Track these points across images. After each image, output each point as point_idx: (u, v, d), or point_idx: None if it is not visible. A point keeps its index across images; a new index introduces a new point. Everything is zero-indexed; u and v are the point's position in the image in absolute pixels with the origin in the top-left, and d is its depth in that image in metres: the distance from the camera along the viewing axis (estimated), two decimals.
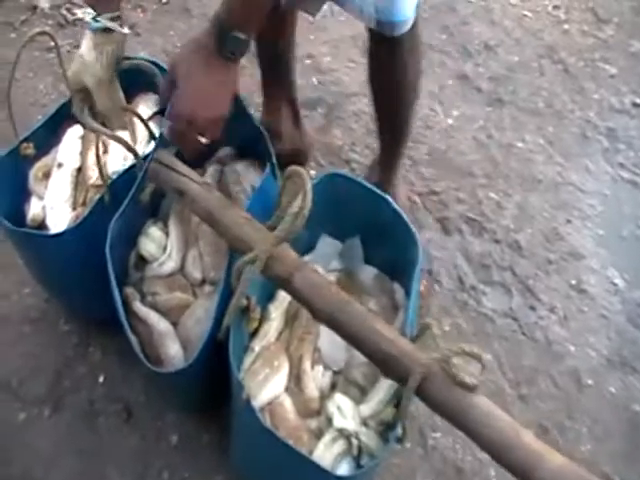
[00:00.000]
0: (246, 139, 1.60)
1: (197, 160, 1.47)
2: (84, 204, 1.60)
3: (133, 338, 1.38)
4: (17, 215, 1.62)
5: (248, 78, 2.24)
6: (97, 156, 1.40)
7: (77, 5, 2.54)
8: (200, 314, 1.46)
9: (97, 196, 1.49)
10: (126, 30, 1.36)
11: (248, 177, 1.62)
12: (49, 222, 1.60)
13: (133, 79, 1.55)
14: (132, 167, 1.48)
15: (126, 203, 1.41)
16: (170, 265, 1.53)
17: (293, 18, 1.88)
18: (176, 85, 1.21)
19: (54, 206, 1.60)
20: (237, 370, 1.27)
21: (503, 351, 1.81)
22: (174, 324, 1.48)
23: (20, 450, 1.73)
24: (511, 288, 1.90)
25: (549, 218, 2.01)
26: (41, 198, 1.63)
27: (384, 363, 1.13)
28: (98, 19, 1.30)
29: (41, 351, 1.87)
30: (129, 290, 1.49)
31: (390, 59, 1.66)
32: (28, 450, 1.73)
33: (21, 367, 1.85)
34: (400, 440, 1.23)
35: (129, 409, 1.77)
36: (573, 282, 1.91)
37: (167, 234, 1.56)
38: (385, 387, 1.36)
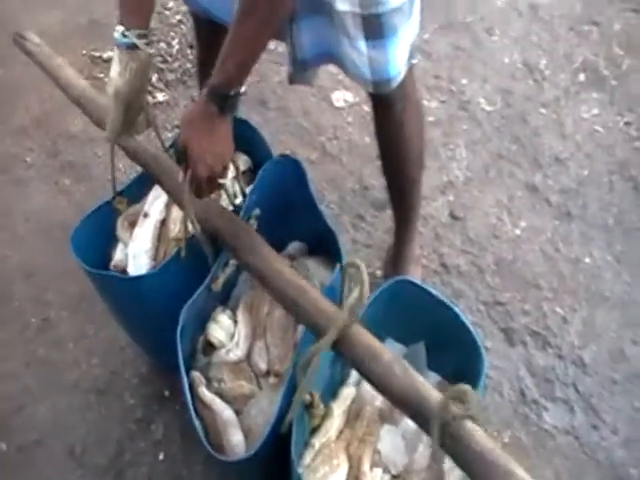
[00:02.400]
0: (317, 235, 1.64)
1: None
2: (164, 256, 1.66)
3: (197, 423, 1.39)
4: (103, 259, 1.73)
5: (318, 174, 2.32)
6: (185, 222, 1.47)
7: (158, 89, 2.67)
8: (264, 405, 1.47)
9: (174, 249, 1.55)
10: (151, 50, 1.41)
11: (318, 273, 1.65)
12: (130, 269, 1.68)
13: None
14: None
15: (199, 292, 1.45)
16: (237, 353, 1.55)
17: None
18: (189, 155, 1.30)
19: (136, 255, 1.68)
20: (298, 465, 1.27)
21: (564, 469, 1.76)
22: (237, 412, 1.49)
23: None
24: (574, 405, 1.86)
25: (615, 337, 1.98)
26: (126, 245, 1.71)
27: None
28: (126, 34, 1.36)
29: (105, 422, 1.91)
30: (196, 374, 1.52)
31: (387, 117, 1.70)
32: None
33: (85, 435, 1.89)
34: None
35: None
36: (637, 404, 1.87)
37: (236, 322, 1.59)
38: None
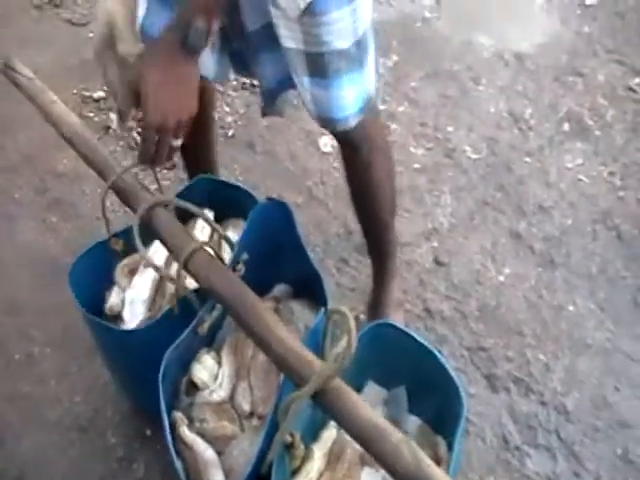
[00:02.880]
0: (302, 278, 1.64)
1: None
2: (159, 308, 1.67)
3: (178, 464, 1.38)
4: (95, 299, 1.73)
5: (304, 218, 2.34)
6: (177, 274, 1.43)
7: None
8: (246, 446, 1.46)
9: (167, 306, 1.54)
10: None
11: (303, 317, 1.65)
12: (125, 315, 1.69)
13: (226, 204, 1.68)
14: None
15: (184, 335, 1.45)
16: (220, 394, 1.55)
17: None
18: (142, 94, 1.21)
19: (134, 302, 1.69)
20: None
21: None
22: (219, 453, 1.48)
23: None
24: (556, 452, 1.86)
25: (597, 384, 1.99)
26: (123, 291, 1.72)
27: None
28: None
29: (87, 460, 1.89)
30: (178, 415, 1.51)
31: (353, 159, 1.71)
32: None
33: (67, 473, 1.87)
34: None
35: None
36: (619, 452, 1.87)
37: (220, 364, 1.59)
38: None
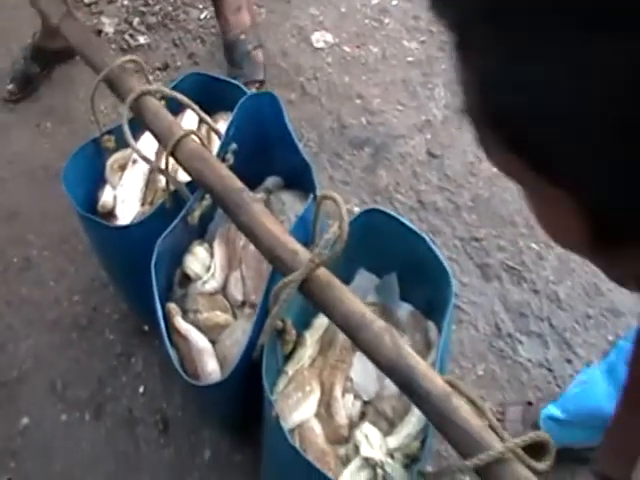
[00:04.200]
0: (293, 170, 1.61)
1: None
2: (152, 203, 1.64)
3: (172, 352, 1.39)
4: (89, 199, 1.70)
5: (297, 114, 2.29)
6: (165, 164, 1.41)
7: (140, 32, 2.61)
8: (238, 335, 1.46)
9: (160, 200, 1.53)
10: None
11: (294, 207, 1.62)
12: (118, 212, 1.66)
13: (217, 99, 1.63)
14: None
15: (174, 224, 1.43)
16: (213, 284, 1.54)
17: None
18: None
19: (125, 199, 1.66)
20: (269, 388, 1.27)
21: (537, 401, 1.76)
22: (213, 342, 1.49)
23: (61, 450, 1.78)
24: (548, 339, 1.86)
25: (589, 272, 1.97)
26: (114, 188, 1.69)
27: None
28: None
29: (86, 358, 1.91)
30: (172, 305, 1.51)
31: None
32: (68, 451, 1.78)
33: (67, 371, 1.89)
34: (422, 475, 1.21)
35: (166, 421, 1.79)
36: (610, 338, 1.86)
37: (212, 255, 1.57)
38: (414, 421, 1.35)
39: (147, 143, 1.65)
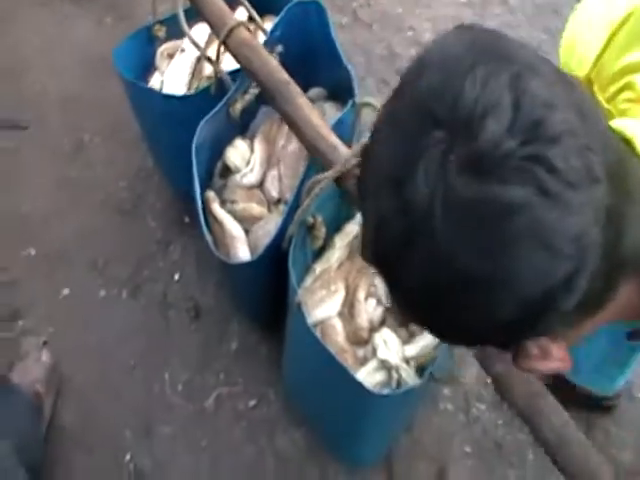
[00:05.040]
0: (336, 81, 1.61)
1: None
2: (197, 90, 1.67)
3: (208, 236, 1.43)
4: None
5: (348, 38, 2.29)
6: (217, 52, 1.43)
7: None
8: (271, 227, 1.49)
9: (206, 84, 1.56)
10: None
11: (334, 117, 1.62)
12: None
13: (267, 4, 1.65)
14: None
15: (216, 109, 1.45)
16: (251, 179, 1.58)
17: None
18: None
19: (171, 84, 1.70)
20: (295, 278, 1.30)
21: None
22: (246, 232, 1.53)
23: (97, 322, 1.86)
24: None
25: None
26: (162, 74, 1.74)
27: None
28: None
29: (127, 240, 1.98)
30: (210, 193, 1.55)
31: None
32: (104, 324, 1.86)
33: (108, 251, 1.96)
34: (433, 377, 1.25)
35: (198, 309, 1.86)
36: None
37: (252, 150, 1.60)
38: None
39: (197, 34, 1.67)
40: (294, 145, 1.59)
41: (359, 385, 1.22)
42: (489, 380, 1.71)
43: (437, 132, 0.47)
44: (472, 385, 1.75)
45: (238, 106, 1.51)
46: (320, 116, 1.21)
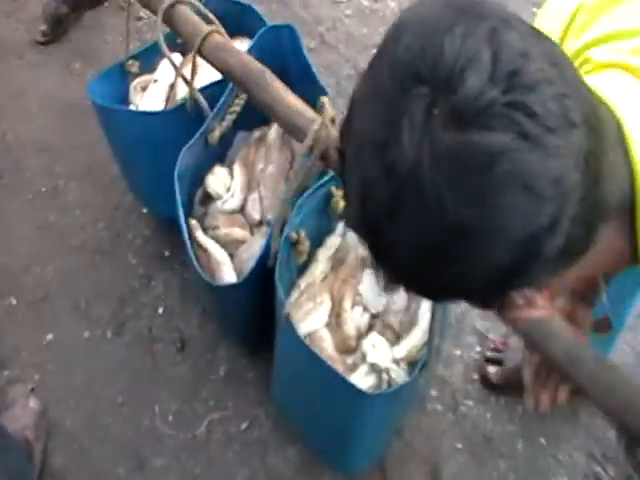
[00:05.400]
0: (312, 103, 1.61)
1: None
2: None
3: (194, 260, 1.44)
4: None
5: (316, 61, 2.30)
6: (193, 64, 1.44)
7: None
8: (255, 249, 1.51)
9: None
10: None
11: None
12: None
13: (237, 25, 1.66)
14: (218, 82, 1.55)
15: (196, 137, 1.48)
16: (232, 204, 1.59)
17: None
18: None
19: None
20: (282, 291, 1.31)
21: None
22: (231, 256, 1.54)
23: (83, 363, 1.84)
24: None
25: None
26: (137, 107, 1.76)
27: None
28: None
29: (109, 279, 1.97)
30: (193, 221, 1.56)
31: None
32: (90, 365, 1.84)
33: (90, 292, 1.95)
34: (423, 368, 1.26)
35: (184, 340, 1.85)
36: None
37: (232, 176, 1.62)
38: (419, 334, 1.40)
39: (167, 66, 1.72)
40: (272, 167, 1.62)
41: (352, 387, 1.23)
42: (475, 376, 1.72)
43: (420, 88, 0.49)
44: (459, 384, 1.77)
45: (216, 133, 1.53)
46: (295, 96, 1.22)
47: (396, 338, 1.42)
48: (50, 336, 1.89)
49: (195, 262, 1.44)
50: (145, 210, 2.05)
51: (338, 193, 1.43)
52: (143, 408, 1.75)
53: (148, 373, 1.81)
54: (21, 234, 2.07)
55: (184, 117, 1.51)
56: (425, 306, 1.44)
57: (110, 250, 2.01)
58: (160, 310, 1.90)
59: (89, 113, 2.12)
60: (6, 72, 2.42)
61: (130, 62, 1.74)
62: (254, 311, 1.55)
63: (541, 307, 0.59)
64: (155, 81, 1.73)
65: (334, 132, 1.12)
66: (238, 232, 1.57)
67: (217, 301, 1.63)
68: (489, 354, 1.77)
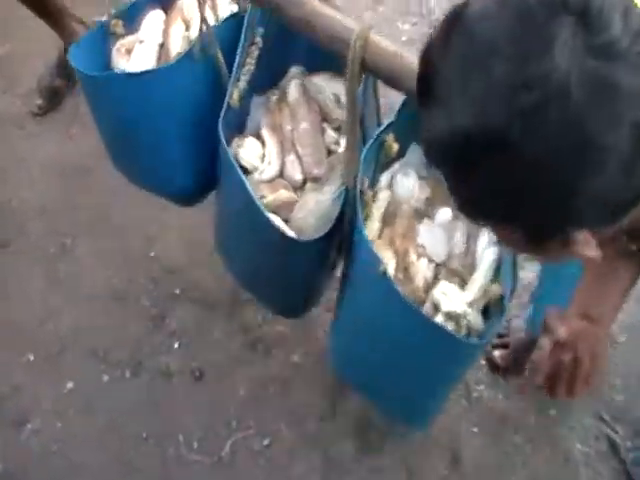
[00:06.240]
0: (316, 55, 1.49)
1: None
2: None
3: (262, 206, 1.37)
4: None
5: None
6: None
7: None
8: (310, 205, 1.44)
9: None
10: None
11: (332, 86, 1.59)
12: None
13: None
14: (233, 16, 1.46)
15: (225, 105, 1.41)
16: (271, 171, 1.51)
17: None
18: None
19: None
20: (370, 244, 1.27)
21: None
22: (285, 221, 1.46)
23: (104, 406, 1.82)
24: None
25: None
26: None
27: None
28: None
29: (124, 323, 1.94)
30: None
31: None
32: (111, 405, 1.82)
33: (106, 337, 1.92)
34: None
35: (202, 369, 1.84)
36: None
37: (263, 144, 1.53)
38: (483, 274, 1.35)
39: (152, 21, 1.57)
40: (304, 124, 1.54)
41: (446, 335, 1.21)
42: (482, 361, 1.79)
43: (568, 17, 0.53)
44: (469, 372, 1.75)
45: (235, 96, 1.46)
46: (330, 8, 1.18)
47: (462, 282, 1.37)
48: (70, 384, 1.86)
49: (266, 213, 1.36)
50: (152, 254, 2.05)
51: (390, 138, 1.38)
52: (167, 438, 1.72)
53: (169, 405, 1.78)
54: (34, 291, 2.02)
55: (191, 70, 1.42)
56: (482, 245, 1.39)
57: (123, 296, 1.97)
58: (176, 345, 1.87)
59: (88, 173, 2.19)
60: (8, 142, 2.45)
61: (114, 21, 1.52)
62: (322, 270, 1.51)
63: (593, 248, 0.63)
64: (141, 42, 1.55)
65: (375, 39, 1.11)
66: (284, 193, 1.48)
67: (283, 263, 1.52)
68: (494, 340, 1.77)
